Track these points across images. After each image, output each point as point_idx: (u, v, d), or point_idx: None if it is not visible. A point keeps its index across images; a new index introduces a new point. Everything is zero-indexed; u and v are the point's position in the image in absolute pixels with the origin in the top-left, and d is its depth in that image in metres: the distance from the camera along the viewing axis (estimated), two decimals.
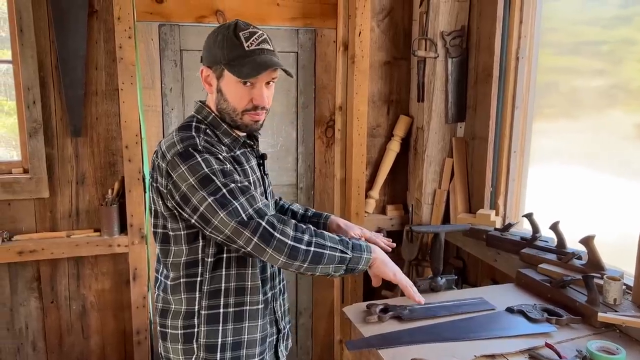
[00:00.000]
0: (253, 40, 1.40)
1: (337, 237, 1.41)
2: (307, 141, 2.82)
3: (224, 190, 1.33)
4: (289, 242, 1.32)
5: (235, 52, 1.40)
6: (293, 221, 1.38)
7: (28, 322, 2.49)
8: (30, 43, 2.25)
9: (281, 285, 1.69)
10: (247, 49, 1.39)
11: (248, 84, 1.42)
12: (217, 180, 1.34)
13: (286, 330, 1.72)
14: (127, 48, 2.32)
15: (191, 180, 1.34)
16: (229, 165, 1.39)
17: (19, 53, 2.25)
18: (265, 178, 1.63)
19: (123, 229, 2.47)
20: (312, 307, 2.98)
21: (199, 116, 1.51)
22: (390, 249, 1.68)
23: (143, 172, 2.42)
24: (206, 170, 1.34)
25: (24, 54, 2.25)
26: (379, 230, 2.84)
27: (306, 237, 1.35)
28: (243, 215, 1.32)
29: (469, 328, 1.62)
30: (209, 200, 1.32)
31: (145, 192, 2.44)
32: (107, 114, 2.43)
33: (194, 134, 1.42)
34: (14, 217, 2.39)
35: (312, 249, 1.34)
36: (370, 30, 2.66)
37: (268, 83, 1.46)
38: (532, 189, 2.41)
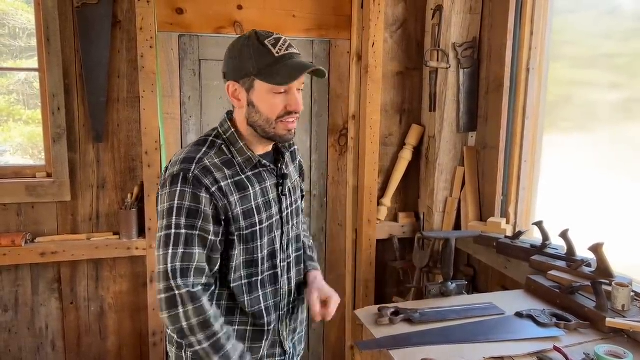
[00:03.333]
0: (280, 46, 1.37)
1: (237, 356, 1.37)
2: (321, 149, 2.87)
3: (172, 231, 1.34)
4: (184, 325, 1.33)
5: (264, 60, 1.36)
6: (210, 312, 1.35)
7: (48, 322, 2.57)
8: (56, 52, 2.34)
9: (290, 307, 1.61)
10: (276, 55, 1.36)
11: (282, 90, 1.38)
12: (173, 218, 1.35)
13: (291, 350, 1.66)
14: (148, 57, 2.40)
15: (164, 205, 1.37)
16: (203, 206, 1.36)
17: (46, 61, 2.34)
18: (284, 198, 1.54)
19: (141, 232, 2.54)
20: None
21: (220, 129, 1.48)
22: (317, 319, 1.54)
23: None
24: (175, 203, 1.35)
25: (50, 62, 2.34)
26: (390, 237, 2.89)
27: (200, 338, 1.34)
28: (168, 267, 1.33)
29: (478, 331, 1.66)
30: (161, 233, 1.37)
31: None
32: (128, 121, 2.51)
33: (198, 155, 1.40)
34: (37, 220, 2.47)
35: (199, 350, 1.35)
36: (383, 41, 2.72)
37: (299, 89, 1.42)
38: (545, 199, 2.44)
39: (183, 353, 1.51)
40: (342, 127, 2.86)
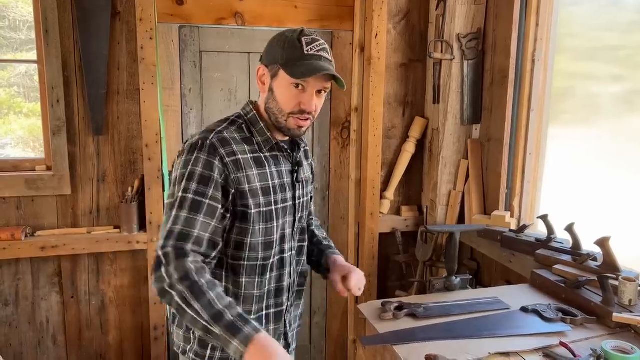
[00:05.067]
0: (314, 47, 1.41)
1: (220, 308, 1.23)
2: (323, 142, 2.84)
3: (179, 195, 1.35)
4: (164, 283, 1.26)
5: (293, 53, 1.40)
6: (191, 266, 1.27)
7: (49, 317, 2.55)
8: (55, 43, 2.31)
9: (293, 297, 1.64)
10: (305, 52, 1.40)
11: (300, 87, 1.41)
12: (183, 183, 1.36)
13: (293, 345, 1.69)
14: (148, 49, 2.37)
15: (178, 172, 1.40)
16: (216, 175, 1.37)
17: (44, 53, 2.31)
18: (299, 186, 1.57)
19: (142, 226, 2.51)
20: (326, 306, 3.01)
21: (242, 111, 1.53)
22: (344, 294, 1.62)
23: (162, 170, 2.47)
24: (189, 168, 1.37)
25: (49, 54, 2.31)
26: (393, 231, 2.87)
27: (180, 288, 1.24)
28: (167, 228, 1.33)
29: (483, 326, 1.64)
30: (168, 200, 1.38)
31: (164, 190, 2.49)
32: (128, 113, 2.49)
33: (218, 128, 1.45)
34: (37, 213, 2.45)
35: (179, 301, 1.24)
36: (386, 32, 2.68)
37: (320, 92, 1.45)
38: (550, 192, 2.42)
39: (191, 334, 1.51)
40: (344, 120, 2.83)
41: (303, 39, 1.41)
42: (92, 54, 2.36)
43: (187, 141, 1.47)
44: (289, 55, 1.40)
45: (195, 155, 1.38)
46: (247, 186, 1.41)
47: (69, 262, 2.52)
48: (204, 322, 1.22)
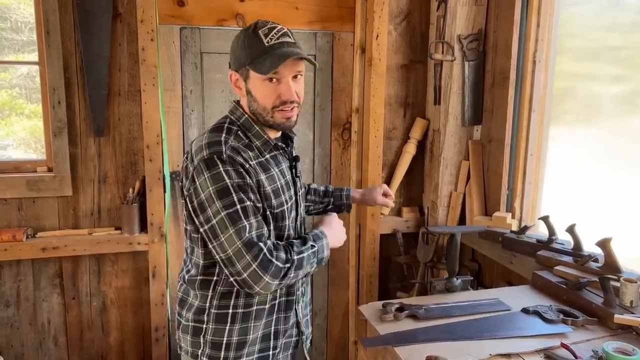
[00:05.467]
0: (272, 35, 1.40)
1: (310, 250, 1.47)
2: (324, 143, 2.84)
3: (238, 207, 1.37)
4: (284, 268, 1.38)
5: (256, 50, 1.39)
6: (281, 243, 1.43)
7: (50, 318, 2.55)
8: (56, 45, 2.31)
9: (302, 287, 1.69)
10: (266, 44, 1.39)
11: (274, 80, 1.41)
12: (234, 195, 1.37)
13: (308, 334, 1.74)
14: (150, 50, 2.37)
15: (211, 189, 1.37)
16: (248, 180, 1.40)
17: (46, 54, 2.31)
18: (297, 180, 1.63)
19: (143, 227, 2.52)
20: (327, 308, 3.01)
21: (232, 117, 1.52)
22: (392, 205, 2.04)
23: (163, 172, 2.47)
24: (226, 182, 1.37)
25: (50, 55, 2.31)
26: (394, 232, 2.87)
27: (294, 259, 1.41)
28: (250, 236, 1.36)
29: (485, 327, 1.63)
30: (222, 214, 1.36)
31: (165, 191, 2.49)
32: (129, 115, 2.49)
33: (222, 138, 1.43)
34: (38, 215, 2.45)
35: (295, 258, 1.42)
36: (387, 33, 2.69)
37: (296, 77, 1.45)
38: (549, 193, 2.41)
39: (201, 338, 1.53)
40: (345, 121, 2.83)
41: (260, 31, 1.41)
42: (93, 55, 2.37)
43: (190, 158, 1.46)
44: (252, 53, 1.40)
45: (220, 169, 1.38)
46: (262, 189, 1.45)
47: (70, 263, 2.52)
48: (314, 260, 1.47)
